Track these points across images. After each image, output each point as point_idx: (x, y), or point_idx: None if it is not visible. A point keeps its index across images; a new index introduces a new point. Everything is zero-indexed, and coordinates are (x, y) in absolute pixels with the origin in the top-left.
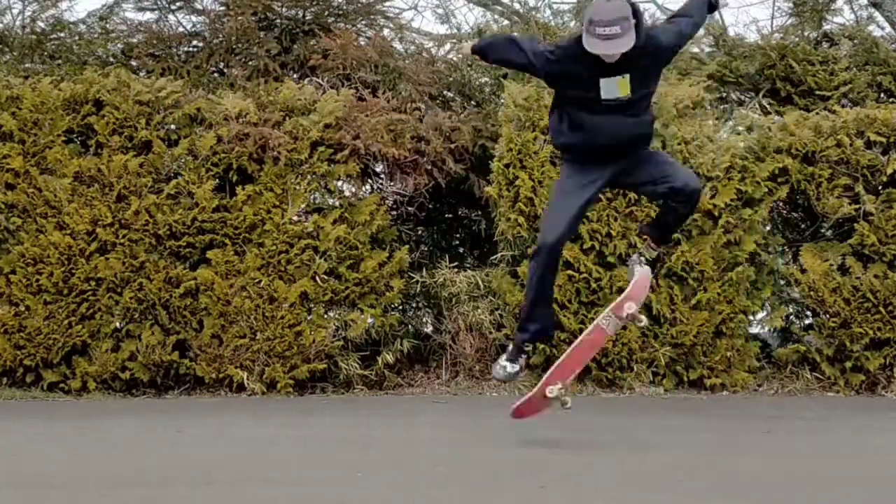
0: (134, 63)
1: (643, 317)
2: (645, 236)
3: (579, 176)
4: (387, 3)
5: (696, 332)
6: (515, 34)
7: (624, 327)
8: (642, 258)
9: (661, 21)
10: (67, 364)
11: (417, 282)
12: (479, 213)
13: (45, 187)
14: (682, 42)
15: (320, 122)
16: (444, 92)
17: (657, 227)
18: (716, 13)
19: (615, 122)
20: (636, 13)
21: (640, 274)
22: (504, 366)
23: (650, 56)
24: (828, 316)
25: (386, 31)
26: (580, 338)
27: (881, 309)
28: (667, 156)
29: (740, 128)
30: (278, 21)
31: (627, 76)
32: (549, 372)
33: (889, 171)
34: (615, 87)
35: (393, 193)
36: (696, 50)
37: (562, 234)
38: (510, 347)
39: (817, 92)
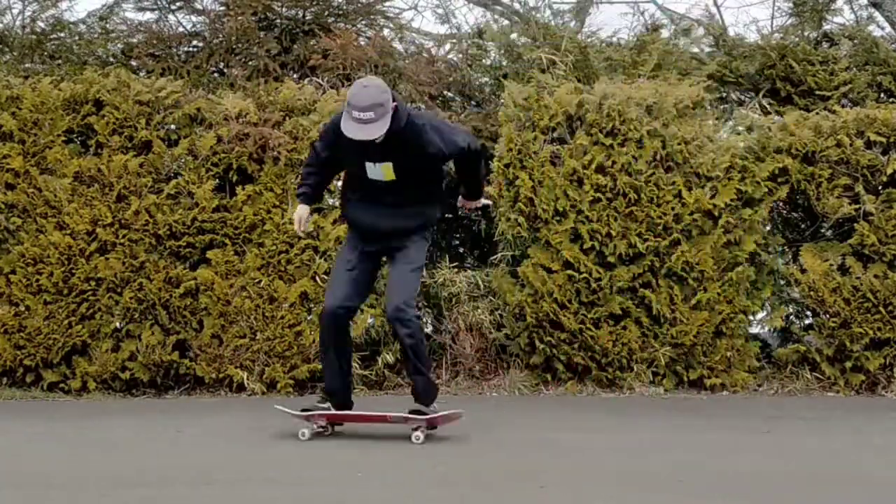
0: (134, 63)
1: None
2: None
3: (359, 245)
4: (387, 3)
5: (696, 332)
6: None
7: (625, 327)
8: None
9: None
10: (67, 364)
11: None
12: (479, 212)
13: (45, 187)
14: (448, 157)
15: (320, 121)
16: (445, 92)
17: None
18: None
19: (384, 205)
20: (394, 99)
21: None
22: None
23: (413, 149)
24: (828, 316)
25: (386, 31)
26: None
27: (881, 309)
28: (407, 261)
29: (740, 128)
30: (278, 21)
31: (390, 164)
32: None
33: (889, 171)
34: (380, 171)
35: None
36: (696, 50)
37: (341, 298)
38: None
39: (817, 92)
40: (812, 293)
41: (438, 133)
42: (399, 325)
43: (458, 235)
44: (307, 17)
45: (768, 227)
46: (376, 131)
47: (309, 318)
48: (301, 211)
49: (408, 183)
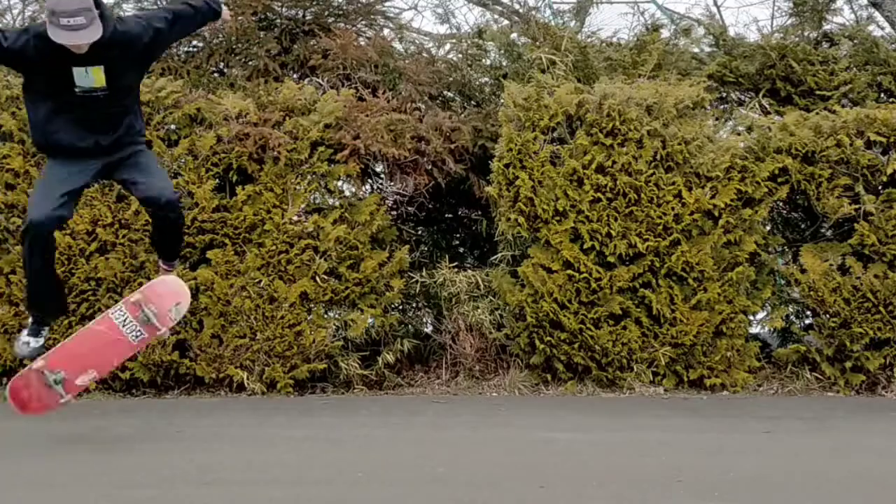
0: None
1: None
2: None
3: (63, 168)
4: (387, 3)
5: (696, 332)
6: None
7: (625, 327)
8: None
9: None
10: None
11: (417, 282)
12: (480, 212)
13: None
14: (159, 36)
15: (320, 121)
16: (444, 92)
17: (154, 244)
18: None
19: (94, 115)
20: (98, 4)
21: (160, 280)
22: (27, 341)
23: (121, 47)
24: (828, 316)
25: (386, 31)
26: (88, 326)
27: (881, 309)
28: (152, 162)
29: (740, 128)
30: (278, 21)
31: (101, 67)
32: (51, 351)
33: (889, 171)
34: (90, 77)
35: (393, 193)
36: (696, 50)
37: (47, 214)
38: (30, 322)
39: (817, 92)
40: (812, 293)
41: (137, 18)
42: (171, 211)
43: (458, 235)
44: (307, 17)
45: (768, 227)
46: (89, 36)
47: (309, 318)
48: None
49: (117, 86)
